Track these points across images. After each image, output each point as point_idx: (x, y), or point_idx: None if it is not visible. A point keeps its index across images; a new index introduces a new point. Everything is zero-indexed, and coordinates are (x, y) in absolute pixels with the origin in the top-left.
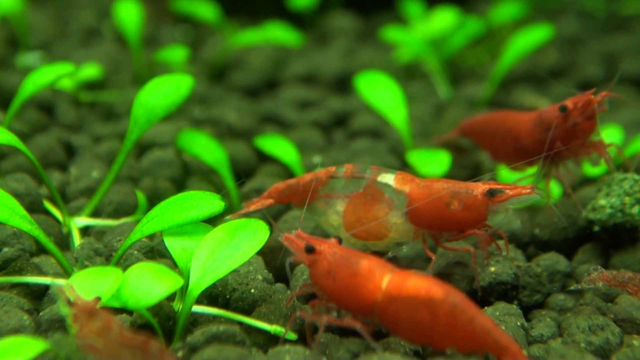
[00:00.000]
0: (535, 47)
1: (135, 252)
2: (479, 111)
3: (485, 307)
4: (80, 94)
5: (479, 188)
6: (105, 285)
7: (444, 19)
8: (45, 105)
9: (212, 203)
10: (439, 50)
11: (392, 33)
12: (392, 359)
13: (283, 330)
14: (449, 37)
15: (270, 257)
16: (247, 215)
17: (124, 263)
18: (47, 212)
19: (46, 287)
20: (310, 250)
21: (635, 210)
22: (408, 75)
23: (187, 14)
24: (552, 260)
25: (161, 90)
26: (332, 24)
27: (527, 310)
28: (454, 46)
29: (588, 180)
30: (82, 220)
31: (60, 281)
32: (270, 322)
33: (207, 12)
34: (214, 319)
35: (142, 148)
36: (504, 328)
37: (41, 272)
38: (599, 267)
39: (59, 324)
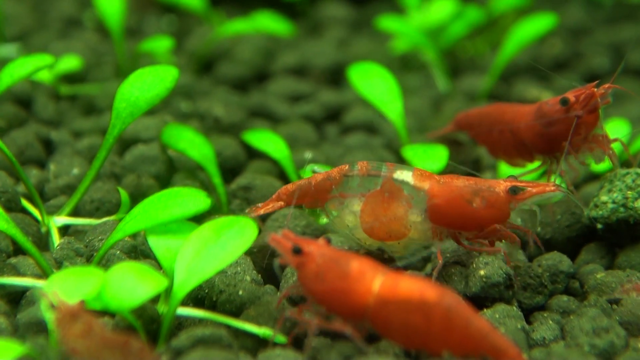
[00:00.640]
0: (538, 37)
1: (118, 252)
2: (478, 104)
3: (484, 310)
4: (60, 87)
5: (501, 185)
6: (86, 287)
7: (442, 7)
8: (23, 99)
9: (197, 200)
10: (436, 40)
11: (387, 22)
12: None
13: (272, 333)
14: (447, 26)
15: (260, 257)
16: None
17: (106, 264)
18: (24, 211)
19: (24, 289)
20: (297, 251)
21: (638, 204)
22: (404, 66)
23: (173, 3)
24: (555, 260)
25: (145, 82)
26: (324, 13)
27: (529, 313)
28: (452, 36)
29: (594, 177)
30: (62, 219)
31: (39, 283)
32: (259, 325)
33: (194, 1)
34: (200, 322)
35: (125, 143)
36: (503, 331)
37: (19, 274)
38: (634, 278)
39: (37, 327)
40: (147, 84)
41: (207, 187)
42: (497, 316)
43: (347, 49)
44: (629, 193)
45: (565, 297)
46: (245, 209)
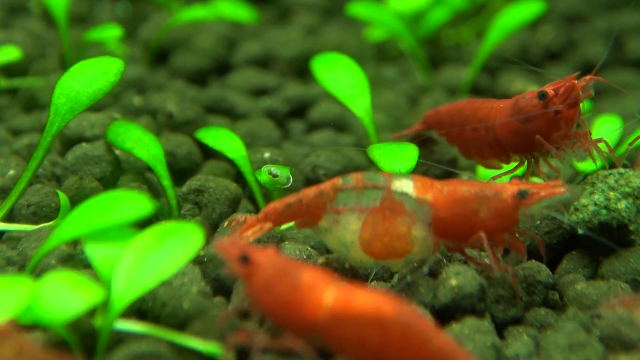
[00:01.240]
0: (525, 25)
1: (53, 261)
2: (460, 99)
3: (452, 324)
4: None
5: (508, 190)
6: (13, 299)
7: None
8: None
9: (139, 204)
10: (415, 28)
11: (361, 9)
12: None
13: (218, 350)
14: (427, 13)
15: (210, 267)
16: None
17: (39, 274)
18: None
19: None
20: (244, 260)
21: (621, 205)
22: (380, 57)
23: None
24: (532, 269)
25: (86, 76)
26: None
27: (502, 327)
28: (433, 24)
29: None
30: None
31: None
32: (204, 340)
33: None
34: (143, 337)
35: (69, 142)
36: (470, 348)
37: None
38: (619, 288)
39: None
40: (89, 77)
41: (156, 190)
42: (466, 331)
43: (317, 38)
44: (612, 194)
45: (543, 310)
46: (197, 214)
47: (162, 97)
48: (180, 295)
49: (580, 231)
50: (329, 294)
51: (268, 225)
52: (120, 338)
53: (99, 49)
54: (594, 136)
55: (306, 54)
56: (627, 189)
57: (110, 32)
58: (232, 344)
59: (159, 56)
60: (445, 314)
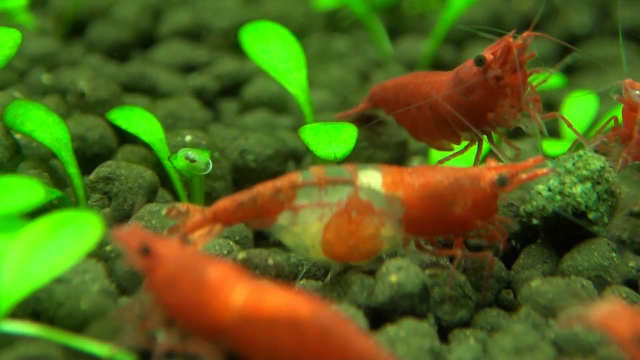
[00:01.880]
0: None
1: None
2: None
3: (388, 326)
4: None
5: (486, 177)
6: None
7: None
8: None
9: (29, 191)
10: None
11: None
12: None
13: (119, 353)
14: None
15: (118, 263)
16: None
17: None
18: None
19: None
20: (145, 252)
21: (577, 189)
22: (331, 27)
23: None
24: (483, 262)
25: None
26: None
27: (449, 330)
28: None
29: None
30: None
31: None
32: (102, 343)
33: None
34: (34, 340)
35: None
36: (403, 352)
37: None
38: (576, 286)
39: None
40: None
41: (62, 179)
42: (402, 334)
43: (257, 7)
44: (567, 178)
45: (494, 311)
46: (106, 205)
47: (75, 75)
48: (78, 295)
49: (535, 221)
50: (239, 293)
51: (218, 227)
52: (10, 340)
53: (3, 21)
54: (566, 115)
55: (243, 25)
56: (585, 172)
57: (14, 1)
58: (128, 345)
59: (74, 28)
60: (382, 315)
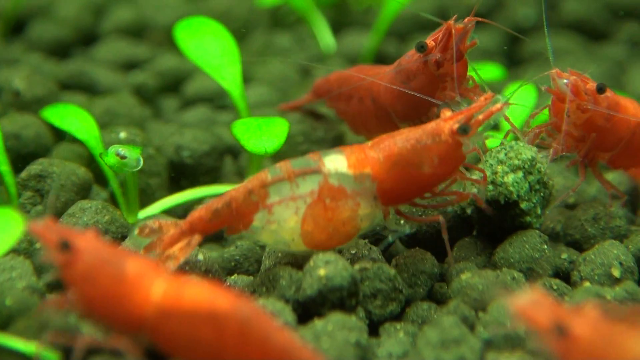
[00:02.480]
0: None
1: None
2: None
3: (316, 320)
4: None
5: (445, 129)
6: None
7: None
8: None
9: None
10: None
11: None
12: None
13: (43, 350)
14: None
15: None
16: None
17: None
18: None
19: None
20: (65, 246)
21: (509, 178)
22: (275, 23)
23: None
24: (415, 258)
25: None
26: None
27: (380, 324)
28: None
29: None
30: None
31: None
32: (26, 340)
33: None
34: None
35: None
36: (327, 346)
37: None
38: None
39: None
40: None
41: None
42: (329, 328)
43: (200, 3)
44: (499, 168)
45: (425, 305)
46: (38, 203)
47: (9, 73)
48: (3, 291)
49: (468, 211)
50: (158, 287)
51: (197, 237)
52: None
53: None
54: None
55: None
56: (516, 162)
57: None
58: (50, 342)
59: (14, 27)
60: (311, 309)
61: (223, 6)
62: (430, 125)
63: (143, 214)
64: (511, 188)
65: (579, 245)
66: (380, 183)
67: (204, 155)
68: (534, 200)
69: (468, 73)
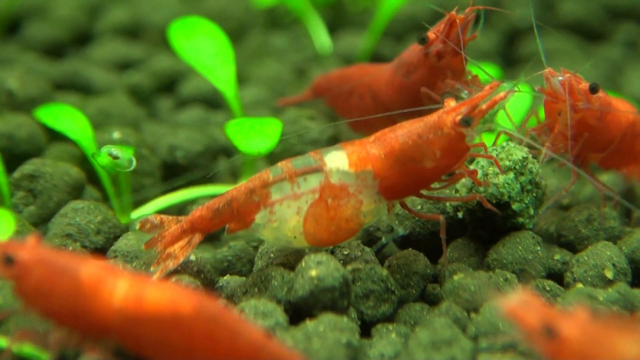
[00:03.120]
0: None
1: None
2: None
3: (307, 321)
4: None
5: (447, 121)
6: None
7: None
8: None
9: None
10: None
11: None
12: None
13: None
14: None
15: None
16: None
17: None
18: None
19: None
20: (8, 261)
21: (499, 179)
22: (272, 23)
23: None
24: (407, 259)
25: None
26: None
27: (372, 325)
28: None
29: None
30: None
31: None
32: None
33: None
34: None
35: None
36: (317, 347)
37: None
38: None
39: None
40: None
41: None
42: (320, 329)
43: (196, 3)
44: (490, 169)
45: (418, 306)
46: (31, 203)
47: (5, 73)
48: None
49: (460, 214)
50: (118, 291)
51: (197, 236)
52: None
53: None
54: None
55: None
56: (507, 162)
57: None
58: (17, 343)
59: (10, 27)
60: (302, 310)
61: (219, 6)
62: (432, 118)
63: (136, 214)
64: (502, 189)
65: (573, 247)
66: (382, 180)
67: (197, 155)
68: (526, 201)
69: (467, 67)
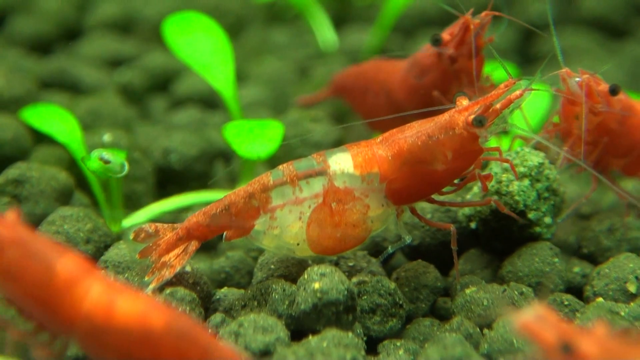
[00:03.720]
0: None
1: None
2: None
3: (309, 336)
4: None
5: (459, 121)
6: None
7: None
8: None
9: None
10: None
11: None
12: None
13: None
14: None
15: None
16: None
17: None
18: None
19: None
20: None
21: (514, 187)
22: (272, 18)
23: None
24: (416, 271)
25: None
26: None
27: (379, 341)
28: None
29: None
30: None
31: None
32: None
33: None
34: None
35: None
36: None
37: None
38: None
39: None
40: None
41: None
42: (324, 345)
43: None
44: (504, 176)
45: (427, 321)
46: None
47: None
48: None
49: (473, 225)
50: (91, 294)
51: (194, 244)
52: None
53: None
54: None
55: None
56: (522, 169)
57: None
58: None
59: None
60: (305, 324)
61: (215, 0)
62: (444, 117)
63: (128, 222)
64: (517, 198)
65: (594, 258)
66: (389, 183)
67: (192, 159)
68: (543, 210)
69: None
